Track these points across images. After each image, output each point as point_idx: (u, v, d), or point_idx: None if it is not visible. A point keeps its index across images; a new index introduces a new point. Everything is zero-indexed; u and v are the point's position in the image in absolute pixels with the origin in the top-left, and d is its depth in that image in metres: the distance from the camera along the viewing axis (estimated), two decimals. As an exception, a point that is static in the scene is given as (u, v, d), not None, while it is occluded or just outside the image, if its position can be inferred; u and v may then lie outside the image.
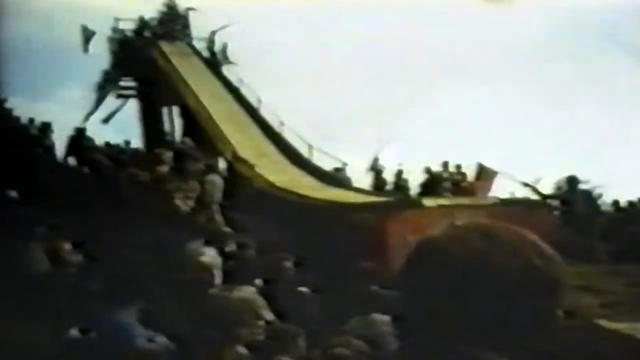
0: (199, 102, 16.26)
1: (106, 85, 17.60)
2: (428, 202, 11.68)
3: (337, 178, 14.28)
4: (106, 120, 17.26)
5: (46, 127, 14.57)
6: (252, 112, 16.36)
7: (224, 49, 17.73)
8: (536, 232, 9.08)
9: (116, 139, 15.50)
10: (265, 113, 16.22)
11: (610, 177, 12.60)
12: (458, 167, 14.02)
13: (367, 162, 14.68)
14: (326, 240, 11.18)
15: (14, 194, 10.49)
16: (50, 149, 14.12)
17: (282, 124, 15.78)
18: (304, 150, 15.13)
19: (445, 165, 13.91)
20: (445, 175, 13.81)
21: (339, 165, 14.51)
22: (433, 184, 13.56)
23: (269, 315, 9.38)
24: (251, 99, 16.62)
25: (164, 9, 18.43)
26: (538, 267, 1.75)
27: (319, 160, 14.84)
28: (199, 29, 18.25)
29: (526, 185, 12.52)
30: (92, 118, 17.26)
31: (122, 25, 18.20)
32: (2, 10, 17.52)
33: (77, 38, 17.62)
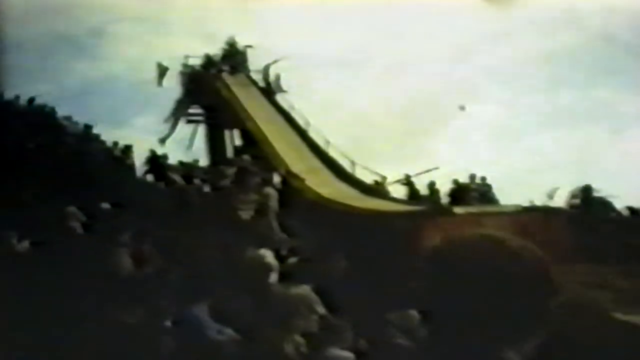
0: (257, 125, 16.31)
1: (178, 112, 17.75)
2: (458, 210, 11.41)
3: (376, 190, 14.10)
4: (189, 146, 17.35)
5: (128, 149, 14.72)
6: (302, 133, 16.31)
7: (277, 80, 17.82)
8: (554, 236, 8.84)
9: (186, 158, 15.62)
10: (313, 134, 16.21)
11: (619, 187, 12.23)
12: (483, 179, 13.68)
13: (401, 175, 14.47)
14: (368, 244, 10.94)
15: (106, 205, 10.57)
16: (132, 167, 14.25)
17: (327, 143, 15.71)
18: (347, 166, 15.02)
19: (472, 177, 13.63)
20: (472, 186, 13.52)
21: (378, 178, 14.34)
22: (461, 194, 13.31)
23: (321, 310, 9.23)
24: (301, 122, 16.63)
25: (226, 47, 18.55)
26: (538, 272, 1.62)
27: (361, 175, 14.73)
28: (255, 63, 18.37)
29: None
30: (167, 141, 17.54)
31: (191, 62, 18.42)
32: (93, 55, 17.86)
33: (152, 74, 17.96)
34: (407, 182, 14.20)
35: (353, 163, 14.86)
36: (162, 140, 16.90)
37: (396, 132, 20.05)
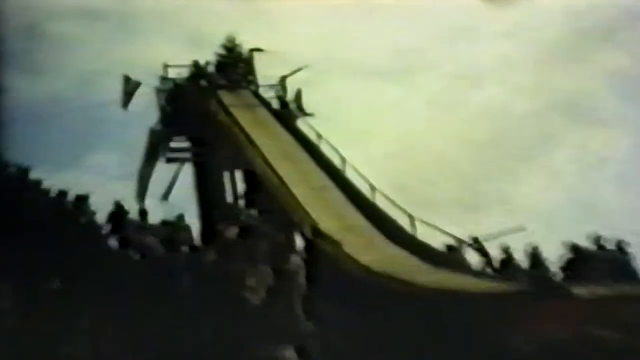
0: (268, 164, 16.24)
1: (155, 149, 17.89)
2: (579, 290, 11.12)
3: (448, 258, 13.83)
4: (165, 196, 17.60)
5: (82, 201, 14.49)
6: (335, 175, 16.22)
7: (298, 98, 17.98)
8: None
9: (166, 213, 15.34)
10: (351, 175, 16.10)
11: None
12: (619, 242, 13.32)
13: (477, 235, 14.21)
14: (439, 339, 10.86)
15: (54, 283, 10.51)
16: (88, 227, 14.10)
17: (372, 188, 15.52)
18: (403, 222, 14.77)
19: (597, 240, 13.35)
20: (599, 254, 13.24)
21: (451, 240, 14.06)
22: (582, 265, 13.04)
23: None
24: (333, 158, 16.58)
25: (223, 51, 18.77)
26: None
27: (423, 235, 14.46)
28: (267, 75, 18.60)
29: None
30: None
31: (171, 74, 18.61)
32: (28, 67, 18.06)
33: (116, 93, 18.26)
34: (479, 247, 14.11)
35: (411, 218, 14.67)
36: (140, 196, 17.01)
37: (465, 172, 19.86)
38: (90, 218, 14.19)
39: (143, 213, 14.56)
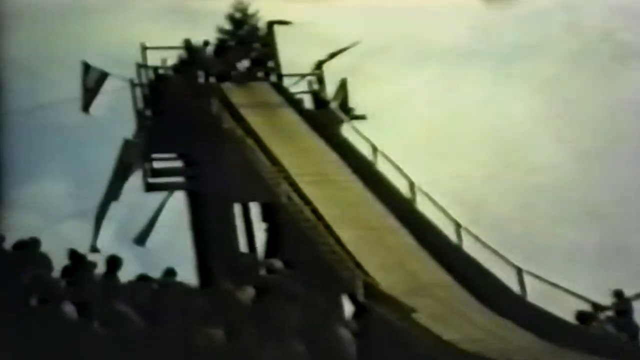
0: (299, 193, 16.21)
1: (128, 170, 17.89)
2: None
3: (581, 333, 13.73)
4: (140, 239, 17.68)
5: (24, 249, 14.40)
6: (401, 208, 16.18)
7: (342, 93, 18.00)
8: None
9: (147, 264, 15.57)
10: (425, 208, 16.05)
11: None
12: None
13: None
14: None
15: None
16: (35, 287, 13.89)
17: (458, 227, 15.44)
18: (506, 278, 14.68)
19: None
20: None
21: (582, 306, 13.97)
22: None
23: None
24: (397, 182, 16.52)
25: (229, 24, 19.24)
26: None
27: (538, 298, 14.34)
28: (296, 60, 18.68)
29: None
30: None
31: (152, 59, 18.81)
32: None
33: (72, 89, 18.44)
34: (624, 312, 14.29)
35: (519, 272, 14.54)
36: (93, 248, 17.10)
37: (595, 202, 19.94)
38: (36, 274, 14.09)
39: (112, 266, 14.35)
